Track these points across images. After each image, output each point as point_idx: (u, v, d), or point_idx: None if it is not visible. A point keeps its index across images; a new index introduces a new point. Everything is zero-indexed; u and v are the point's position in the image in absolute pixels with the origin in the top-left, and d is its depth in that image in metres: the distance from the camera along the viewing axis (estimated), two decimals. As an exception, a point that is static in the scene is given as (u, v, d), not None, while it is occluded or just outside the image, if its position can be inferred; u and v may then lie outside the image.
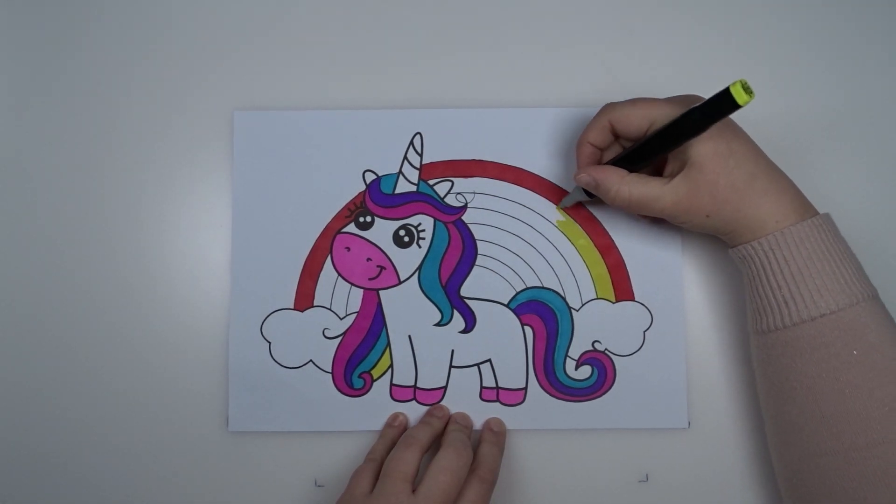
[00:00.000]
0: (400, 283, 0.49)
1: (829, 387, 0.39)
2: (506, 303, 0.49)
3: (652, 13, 0.51)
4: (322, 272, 0.49)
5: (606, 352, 0.48)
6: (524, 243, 0.49)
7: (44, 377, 0.50)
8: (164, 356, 0.49)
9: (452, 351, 0.49)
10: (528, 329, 0.49)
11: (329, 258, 0.49)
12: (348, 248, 0.49)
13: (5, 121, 0.51)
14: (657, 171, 0.44)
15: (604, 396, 0.48)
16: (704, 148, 0.40)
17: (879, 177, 0.50)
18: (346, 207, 0.49)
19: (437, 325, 0.49)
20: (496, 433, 0.47)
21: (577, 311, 0.49)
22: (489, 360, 0.49)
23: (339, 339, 0.49)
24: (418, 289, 0.49)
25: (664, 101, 0.42)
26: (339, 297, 0.49)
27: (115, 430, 0.49)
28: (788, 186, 0.41)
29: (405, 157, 0.50)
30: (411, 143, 0.50)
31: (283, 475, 0.49)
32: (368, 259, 0.49)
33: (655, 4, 0.51)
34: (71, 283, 0.50)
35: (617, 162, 0.43)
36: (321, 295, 0.49)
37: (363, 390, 0.49)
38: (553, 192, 0.49)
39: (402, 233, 0.49)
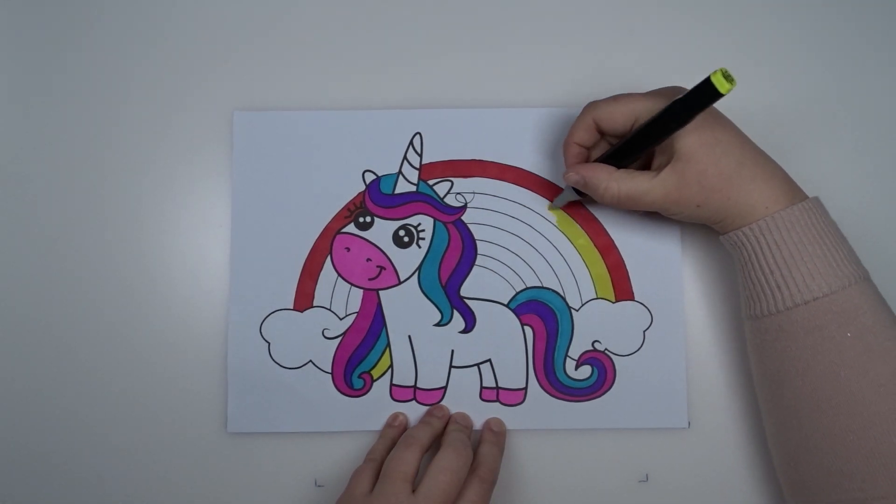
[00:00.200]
0: (400, 283, 0.49)
1: (823, 370, 0.39)
2: (506, 303, 0.49)
3: (652, 13, 0.51)
4: (322, 272, 0.49)
5: (606, 352, 0.48)
6: (524, 243, 0.49)
7: (43, 377, 0.49)
8: (163, 356, 0.49)
9: (452, 351, 0.49)
10: (527, 329, 0.49)
11: (329, 258, 0.49)
12: (348, 249, 0.49)
13: (5, 121, 0.51)
14: (645, 166, 0.44)
15: (604, 396, 0.48)
16: (690, 139, 0.40)
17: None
18: (346, 207, 0.49)
19: (437, 325, 0.49)
20: (496, 433, 0.47)
21: (577, 310, 0.49)
22: (489, 360, 0.49)
23: (339, 339, 0.49)
24: (418, 289, 0.49)
25: (646, 96, 0.42)
26: (338, 298, 0.49)
27: (115, 430, 0.49)
28: (777, 171, 0.41)
29: (405, 158, 0.50)
30: (411, 143, 0.50)
31: (282, 476, 0.49)
32: (368, 259, 0.49)
33: (655, 4, 0.51)
34: (70, 282, 0.50)
35: (604, 159, 0.43)
36: (321, 295, 0.49)
37: (363, 390, 0.49)
38: (553, 193, 0.49)
39: (401, 233, 0.49)
